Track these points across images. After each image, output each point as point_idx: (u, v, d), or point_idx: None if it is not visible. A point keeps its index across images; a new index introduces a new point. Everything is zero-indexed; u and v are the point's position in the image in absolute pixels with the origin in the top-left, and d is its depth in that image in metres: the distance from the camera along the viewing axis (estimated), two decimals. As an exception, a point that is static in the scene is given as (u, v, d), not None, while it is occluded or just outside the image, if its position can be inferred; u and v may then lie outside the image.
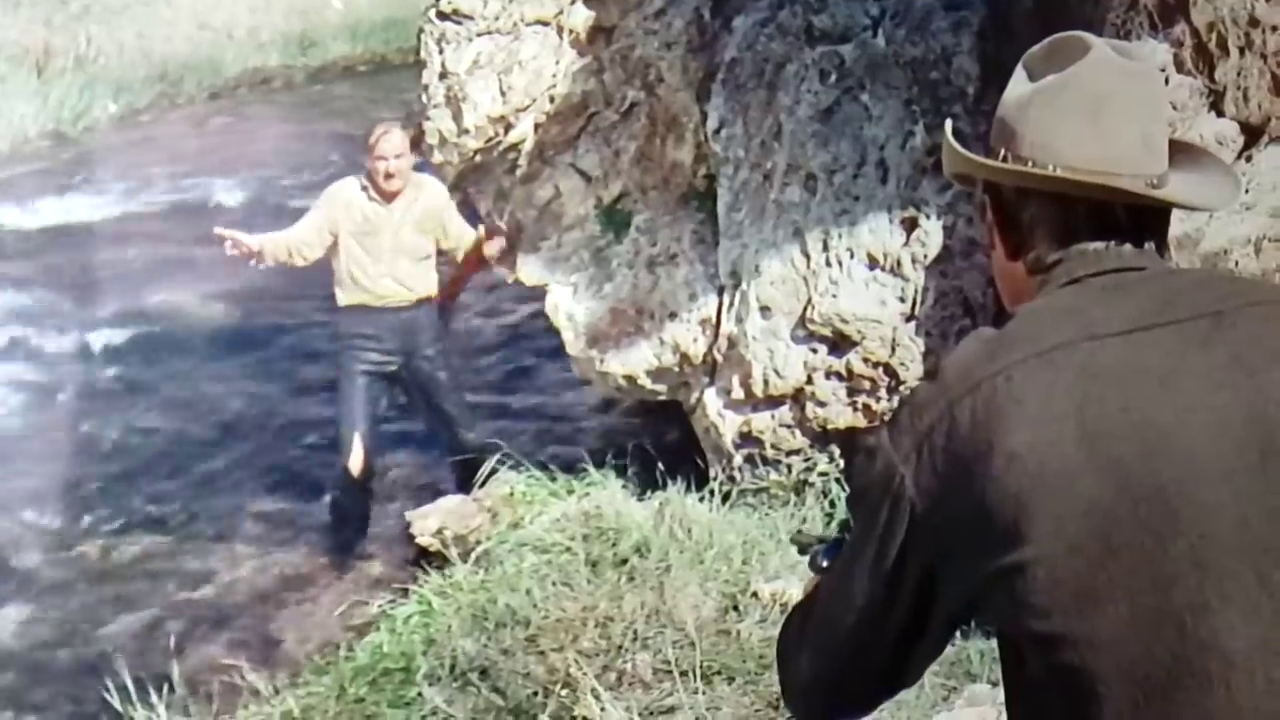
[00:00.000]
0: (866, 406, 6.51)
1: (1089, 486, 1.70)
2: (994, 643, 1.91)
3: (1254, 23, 5.20)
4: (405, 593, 6.49)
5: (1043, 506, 1.70)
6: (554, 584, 6.12)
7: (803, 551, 2.57)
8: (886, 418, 1.82)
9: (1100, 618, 1.68)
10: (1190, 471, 1.69)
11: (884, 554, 1.86)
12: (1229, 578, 1.67)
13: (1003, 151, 1.95)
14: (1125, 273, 1.87)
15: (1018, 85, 1.99)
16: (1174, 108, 5.23)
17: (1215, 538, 1.67)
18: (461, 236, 7.63)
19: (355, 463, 7.53)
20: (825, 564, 2.35)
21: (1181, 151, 1.99)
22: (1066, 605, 1.70)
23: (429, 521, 7.30)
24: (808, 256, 6.47)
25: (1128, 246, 1.90)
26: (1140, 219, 1.92)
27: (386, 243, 7.45)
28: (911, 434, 1.84)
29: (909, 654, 1.94)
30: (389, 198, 7.42)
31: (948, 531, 1.80)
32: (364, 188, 7.45)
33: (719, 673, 5.49)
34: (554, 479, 7.17)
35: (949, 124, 2.15)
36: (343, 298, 7.57)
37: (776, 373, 6.62)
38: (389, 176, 7.36)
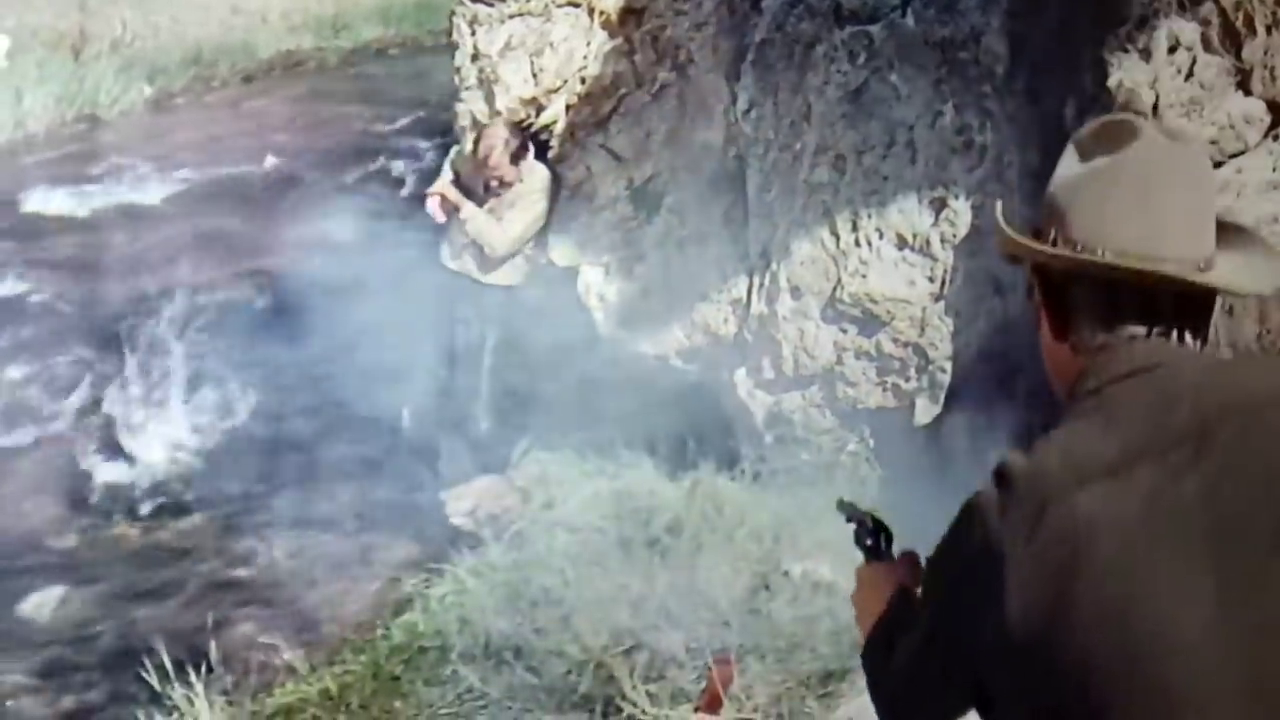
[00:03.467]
0: (896, 386, 6.53)
1: (1064, 658, 1.76)
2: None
3: (1281, 1, 5.20)
4: (440, 572, 6.54)
5: (1036, 670, 1.78)
6: (586, 563, 6.16)
7: (848, 520, 2.68)
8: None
9: None
10: (1151, 641, 1.73)
11: (938, 672, 2.01)
12: None
13: (1053, 233, 1.98)
14: (1142, 375, 1.90)
15: (1068, 165, 2.02)
16: (1201, 87, 5.23)
17: (1181, 711, 1.71)
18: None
19: None
20: (869, 543, 2.58)
21: (1227, 231, 2.02)
22: None
23: (463, 502, 7.35)
24: (837, 237, 6.49)
25: (1162, 340, 1.94)
26: (1185, 304, 1.95)
27: None
28: (941, 588, 1.98)
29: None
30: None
31: (980, 670, 1.90)
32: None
33: (751, 651, 5.52)
34: (586, 459, 7.21)
35: (999, 205, 2.18)
36: None
37: (806, 352, 6.64)
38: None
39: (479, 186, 7.57)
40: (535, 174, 7.51)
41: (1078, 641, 1.74)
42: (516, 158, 7.46)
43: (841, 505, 2.74)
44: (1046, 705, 1.77)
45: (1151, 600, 1.73)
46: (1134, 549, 1.75)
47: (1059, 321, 2.01)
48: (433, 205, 7.80)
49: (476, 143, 7.53)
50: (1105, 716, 1.72)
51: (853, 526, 2.65)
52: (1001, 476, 1.87)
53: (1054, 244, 1.97)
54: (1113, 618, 1.73)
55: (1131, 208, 1.93)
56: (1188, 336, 1.95)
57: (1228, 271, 1.96)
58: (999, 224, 2.08)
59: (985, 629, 1.83)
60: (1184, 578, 1.73)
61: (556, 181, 7.52)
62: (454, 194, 7.65)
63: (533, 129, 7.54)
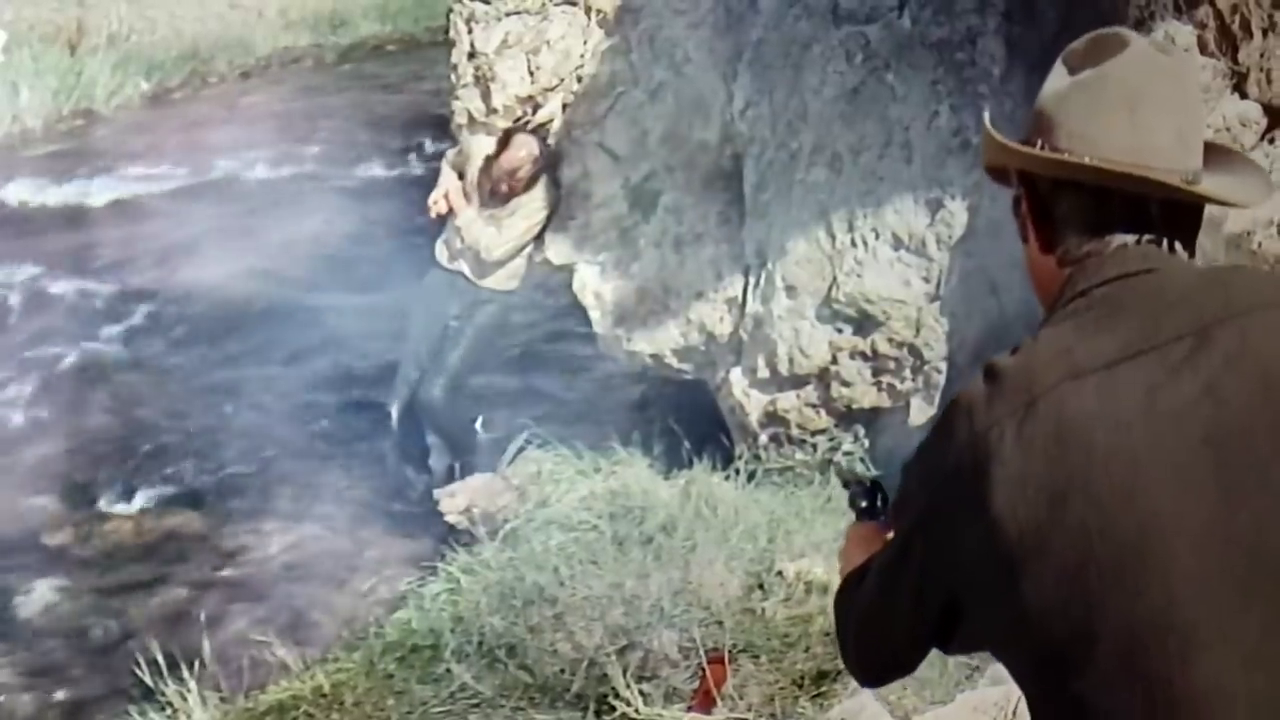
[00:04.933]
0: (891, 386, 6.54)
1: (1059, 551, 1.74)
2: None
3: (1277, 4, 5.21)
4: (434, 570, 6.53)
5: (1026, 568, 1.75)
6: (581, 562, 6.15)
7: (845, 485, 2.66)
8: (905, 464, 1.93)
9: (1093, 672, 1.73)
10: (1151, 530, 1.72)
11: (908, 588, 1.97)
12: (1203, 631, 1.70)
13: (1040, 142, 1.97)
14: (1134, 278, 1.88)
15: (1056, 79, 2.01)
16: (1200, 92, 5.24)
17: (1181, 601, 1.70)
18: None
19: None
20: (864, 504, 2.54)
21: (1215, 152, 2.01)
22: (1060, 658, 1.76)
23: (457, 499, 7.34)
24: (833, 236, 6.49)
25: (1152, 246, 1.91)
26: (1172, 214, 1.93)
27: None
28: (920, 493, 1.92)
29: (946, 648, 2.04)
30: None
31: (958, 579, 1.87)
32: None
33: (744, 650, 5.52)
34: (581, 457, 7.21)
35: (987, 114, 2.16)
36: None
37: (802, 352, 6.64)
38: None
39: (487, 189, 7.52)
40: (540, 183, 7.49)
41: (1072, 537, 1.72)
42: (539, 171, 7.44)
43: (839, 470, 2.73)
44: (1034, 607, 1.75)
45: (1151, 495, 1.72)
46: (1132, 443, 1.74)
47: (1045, 233, 1.99)
48: (435, 196, 7.72)
49: (502, 147, 7.46)
50: (1100, 614, 1.71)
51: (848, 491, 2.62)
52: (989, 372, 1.86)
53: (1041, 151, 1.96)
54: (1111, 512, 1.72)
55: (1119, 118, 1.92)
56: (1177, 246, 1.93)
57: (1214, 185, 1.95)
58: (987, 131, 2.07)
59: (968, 529, 1.80)
60: (1184, 473, 1.73)
61: (557, 188, 7.51)
62: (457, 199, 7.61)
63: (529, 127, 7.53)
